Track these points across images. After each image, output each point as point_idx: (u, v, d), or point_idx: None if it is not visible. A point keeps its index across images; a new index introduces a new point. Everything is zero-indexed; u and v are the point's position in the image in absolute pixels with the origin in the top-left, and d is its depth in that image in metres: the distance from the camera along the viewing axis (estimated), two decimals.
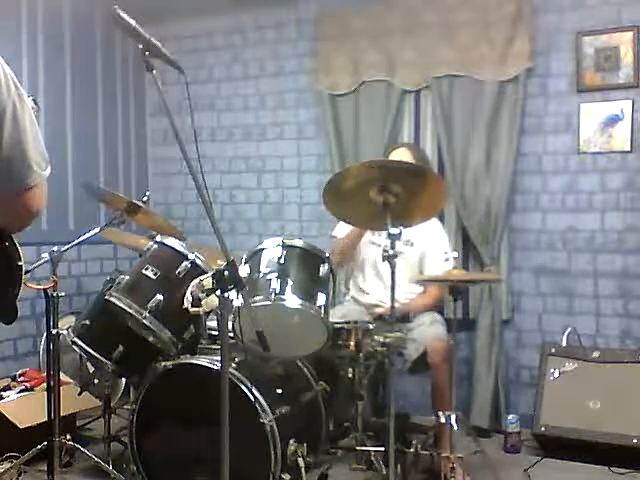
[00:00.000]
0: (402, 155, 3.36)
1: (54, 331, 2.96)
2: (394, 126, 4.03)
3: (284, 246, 2.76)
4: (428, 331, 3.17)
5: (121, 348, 2.87)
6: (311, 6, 4.33)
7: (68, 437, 3.00)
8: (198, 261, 2.90)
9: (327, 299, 2.74)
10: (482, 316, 3.86)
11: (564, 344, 3.66)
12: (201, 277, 2.68)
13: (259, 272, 2.73)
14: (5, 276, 1.53)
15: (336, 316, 3.01)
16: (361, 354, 2.78)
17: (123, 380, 3.68)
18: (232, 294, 1.95)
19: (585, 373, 3.48)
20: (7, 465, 3.01)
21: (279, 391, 2.76)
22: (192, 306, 2.66)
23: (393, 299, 2.56)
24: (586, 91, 3.71)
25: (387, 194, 2.58)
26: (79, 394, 3.25)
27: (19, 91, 1.39)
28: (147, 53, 1.82)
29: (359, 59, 4.10)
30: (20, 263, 1.54)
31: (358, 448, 2.83)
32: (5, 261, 1.52)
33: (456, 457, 2.81)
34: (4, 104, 1.35)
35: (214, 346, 2.88)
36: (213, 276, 1.92)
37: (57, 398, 2.97)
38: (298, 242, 2.85)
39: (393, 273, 2.52)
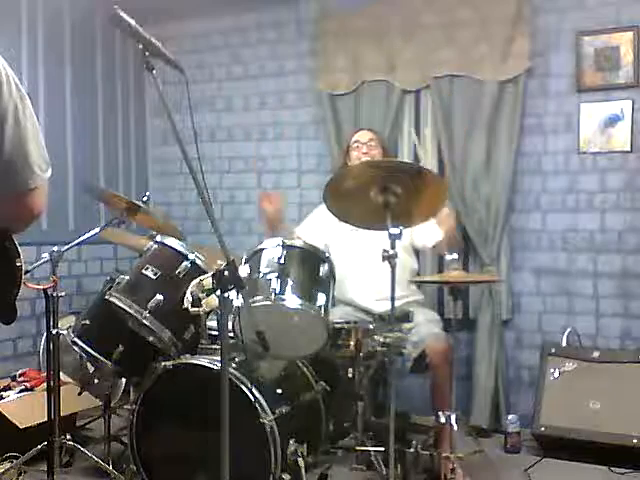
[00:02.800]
0: (365, 135, 3.52)
1: (54, 331, 2.96)
2: (394, 126, 4.03)
3: (284, 246, 2.76)
4: (425, 330, 3.15)
5: (121, 348, 2.87)
6: (311, 6, 4.33)
7: (68, 437, 3.01)
8: (198, 261, 2.90)
9: (327, 299, 2.74)
10: (482, 316, 3.86)
11: (564, 344, 3.67)
12: (201, 277, 2.70)
13: (259, 272, 2.73)
14: (5, 276, 1.53)
15: (336, 316, 3.00)
16: (361, 354, 2.78)
17: (123, 380, 3.68)
18: (232, 294, 1.95)
19: (585, 373, 3.48)
20: (7, 465, 3.01)
21: (279, 391, 2.76)
22: (192, 306, 2.67)
23: (393, 300, 2.56)
24: (586, 91, 3.71)
25: (387, 194, 2.58)
26: (79, 394, 3.25)
27: (21, 93, 1.38)
28: (147, 53, 1.82)
29: (359, 59, 4.10)
30: (19, 263, 1.54)
31: (358, 448, 2.83)
32: (5, 261, 1.52)
33: (456, 457, 2.81)
34: (6, 106, 1.35)
35: (214, 346, 2.88)
36: (213, 276, 1.92)
37: (57, 398, 2.97)
38: (298, 242, 2.85)
39: (393, 273, 2.52)
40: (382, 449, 2.73)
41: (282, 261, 2.70)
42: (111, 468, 2.95)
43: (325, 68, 4.21)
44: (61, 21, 4.24)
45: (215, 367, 2.57)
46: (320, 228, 3.45)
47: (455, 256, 3.02)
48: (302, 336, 2.73)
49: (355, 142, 3.52)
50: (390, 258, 2.48)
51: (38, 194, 1.45)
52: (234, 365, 2.64)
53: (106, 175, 4.58)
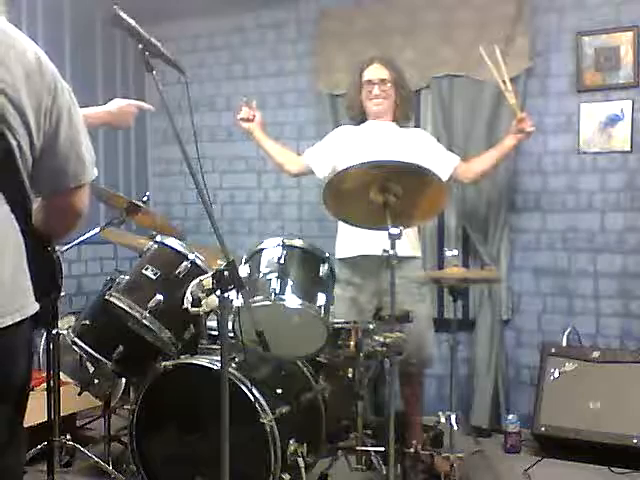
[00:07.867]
0: (378, 71, 3.33)
1: (54, 331, 2.96)
2: None
3: (284, 246, 2.75)
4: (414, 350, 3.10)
5: (121, 348, 2.87)
6: (311, 6, 4.33)
7: (68, 437, 3.01)
8: (198, 261, 2.90)
9: (327, 299, 2.73)
10: (482, 316, 3.86)
11: (564, 344, 3.67)
12: (201, 277, 2.69)
13: (259, 272, 2.72)
14: (49, 281, 1.55)
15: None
16: (361, 354, 2.78)
17: (123, 380, 3.67)
18: (232, 294, 1.95)
19: (585, 373, 3.48)
20: None
21: (279, 391, 2.76)
22: (192, 306, 2.66)
23: (393, 302, 2.55)
24: (586, 91, 3.71)
25: (387, 194, 2.58)
26: (79, 394, 3.25)
27: (71, 94, 1.49)
28: (147, 53, 1.82)
29: (359, 59, 4.09)
30: (60, 266, 1.60)
31: (358, 448, 2.83)
32: (50, 266, 1.54)
33: (456, 457, 2.81)
34: (62, 105, 1.45)
35: (214, 346, 2.87)
36: (213, 276, 1.92)
37: (57, 398, 2.97)
38: (298, 242, 2.84)
39: (393, 274, 2.51)
40: (382, 449, 2.73)
41: (282, 261, 2.70)
42: (111, 468, 2.95)
43: (325, 68, 4.21)
44: (61, 21, 4.24)
45: (215, 367, 2.57)
46: (329, 152, 3.41)
47: (455, 252, 3.03)
48: (302, 336, 2.73)
49: (368, 80, 3.34)
50: (390, 258, 2.47)
51: (84, 192, 1.53)
52: (234, 365, 2.64)
53: (106, 175, 4.57)
